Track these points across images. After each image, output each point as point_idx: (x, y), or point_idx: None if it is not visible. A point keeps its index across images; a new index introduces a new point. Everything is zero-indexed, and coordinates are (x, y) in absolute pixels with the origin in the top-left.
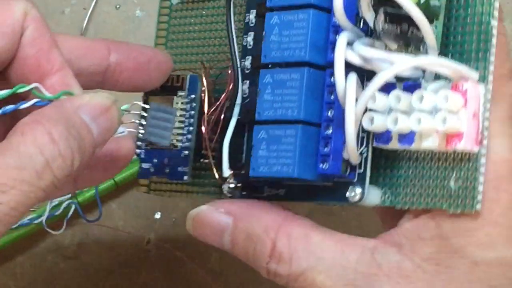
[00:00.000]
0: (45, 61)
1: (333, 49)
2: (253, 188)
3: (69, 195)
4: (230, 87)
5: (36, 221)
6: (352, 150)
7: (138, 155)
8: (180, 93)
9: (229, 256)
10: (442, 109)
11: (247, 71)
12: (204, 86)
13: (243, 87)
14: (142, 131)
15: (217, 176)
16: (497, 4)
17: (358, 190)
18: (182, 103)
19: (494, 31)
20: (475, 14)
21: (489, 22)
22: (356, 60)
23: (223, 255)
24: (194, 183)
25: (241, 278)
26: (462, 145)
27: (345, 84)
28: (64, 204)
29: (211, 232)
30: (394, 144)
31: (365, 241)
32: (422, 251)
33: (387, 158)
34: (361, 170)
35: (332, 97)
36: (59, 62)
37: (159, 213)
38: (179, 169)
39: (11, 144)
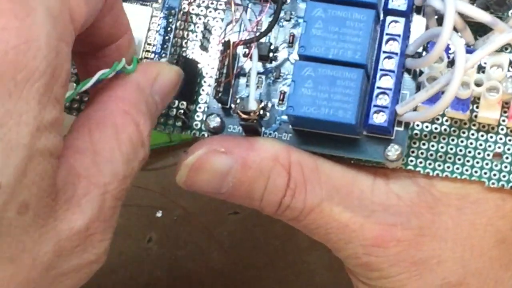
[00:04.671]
0: (120, 24)
1: None
2: (254, 132)
3: None
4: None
5: None
6: (441, 109)
7: None
8: (154, 5)
9: (230, 255)
10: None
11: None
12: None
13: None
14: None
15: (239, 111)
16: None
17: (399, 148)
18: (154, 17)
19: None
20: None
21: None
22: (458, 21)
23: (224, 254)
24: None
25: (242, 277)
26: None
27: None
28: None
29: (211, 177)
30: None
31: (373, 169)
32: (440, 185)
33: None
34: (401, 128)
35: (390, 47)
36: (127, 24)
37: (161, 211)
38: None
39: (109, 145)
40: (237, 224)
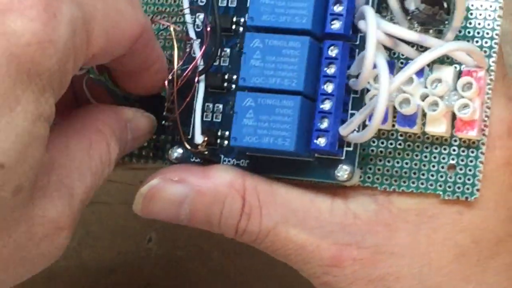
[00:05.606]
0: (151, 57)
1: (332, 20)
2: (210, 162)
3: None
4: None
5: None
6: (374, 129)
7: None
8: None
9: (230, 255)
10: (463, 96)
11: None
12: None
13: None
14: None
15: (186, 144)
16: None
17: (348, 168)
18: None
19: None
20: None
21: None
22: (385, 40)
23: (224, 254)
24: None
25: (242, 277)
26: (474, 133)
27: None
28: None
29: (166, 206)
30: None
31: (333, 189)
32: (399, 202)
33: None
34: (351, 148)
35: (330, 70)
36: (158, 55)
37: None
38: None
39: (81, 157)
40: None
